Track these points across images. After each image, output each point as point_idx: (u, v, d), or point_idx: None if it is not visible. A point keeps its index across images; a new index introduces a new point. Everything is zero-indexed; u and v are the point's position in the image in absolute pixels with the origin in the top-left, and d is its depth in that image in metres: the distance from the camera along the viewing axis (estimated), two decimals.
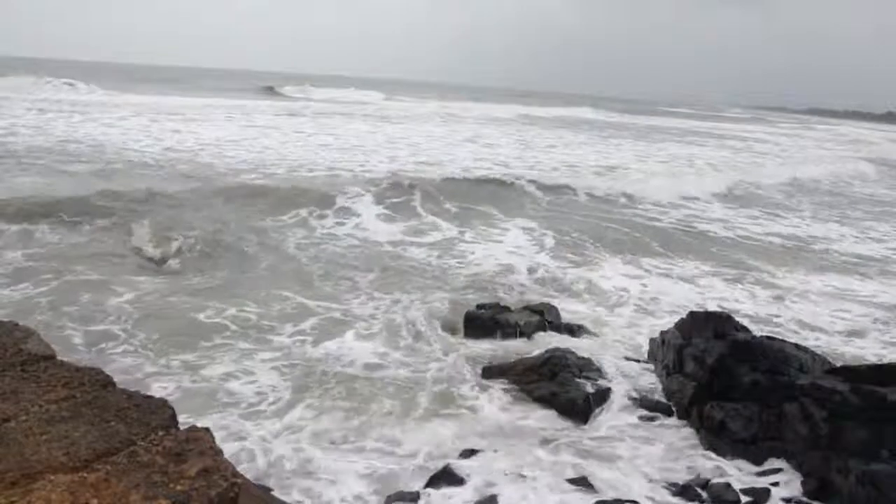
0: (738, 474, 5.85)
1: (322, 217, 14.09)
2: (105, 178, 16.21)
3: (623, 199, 19.24)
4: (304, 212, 14.16)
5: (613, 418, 6.82)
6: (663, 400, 7.14)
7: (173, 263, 10.36)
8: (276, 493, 4.88)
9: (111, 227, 11.53)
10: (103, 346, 7.32)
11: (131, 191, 13.71)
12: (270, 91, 71.12)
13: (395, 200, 15.66)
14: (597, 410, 6.84)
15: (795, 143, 57.03)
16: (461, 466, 5.66)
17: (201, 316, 8.26)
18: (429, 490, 5.35)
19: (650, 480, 5.83)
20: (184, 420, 2.40)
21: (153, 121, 30.92)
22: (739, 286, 11.65)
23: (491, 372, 7.45)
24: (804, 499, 5.53)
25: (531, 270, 11.44)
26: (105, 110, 34.26)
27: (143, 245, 10.89)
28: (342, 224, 13.92)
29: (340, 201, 15.00)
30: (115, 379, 2.41)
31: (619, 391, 7.22)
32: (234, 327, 8.06)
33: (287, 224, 13.51)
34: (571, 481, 5.58)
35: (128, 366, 6.84)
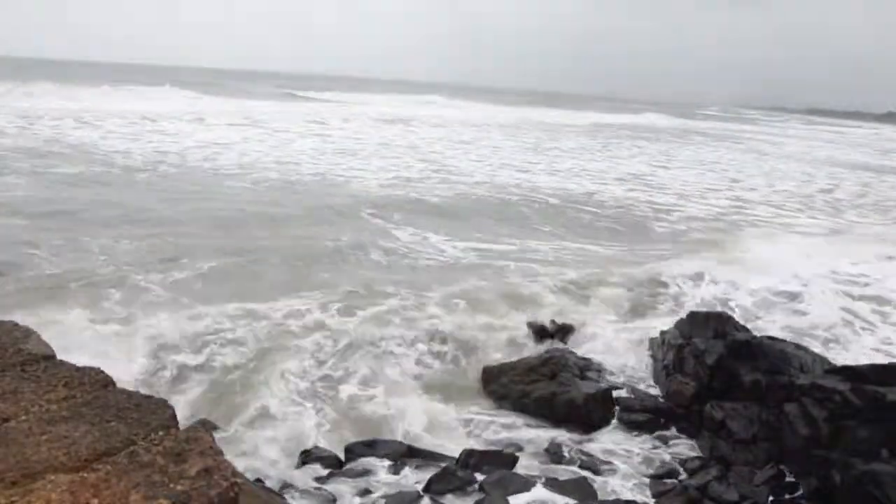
0: (737, 474, 5.85)
1: None
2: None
3: None
4: None
5: (613, 419, 6.82)
6: (663, 400, 7.14)
7: None
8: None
9: None
10: None
11: None
12: (300, 97, 66.59)
13: None
14: (596, 411, 6.84)
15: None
16: (460, 468, 5.68)
17: None
18: (428, 491, 5.35)
19: (649, 481, 5.83)
20: None
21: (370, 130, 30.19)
22: None
23: (491, 372, 7.45)
24: (804, 499, 5.53)
25: None
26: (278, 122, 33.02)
27: None
28: None
29: None
30: None
31: (619, 391, 7.22)
32: None
33: None
34: (570, 482, 5.58)
35: None
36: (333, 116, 40.61)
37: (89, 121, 27.46)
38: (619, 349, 8.31)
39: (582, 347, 8.17)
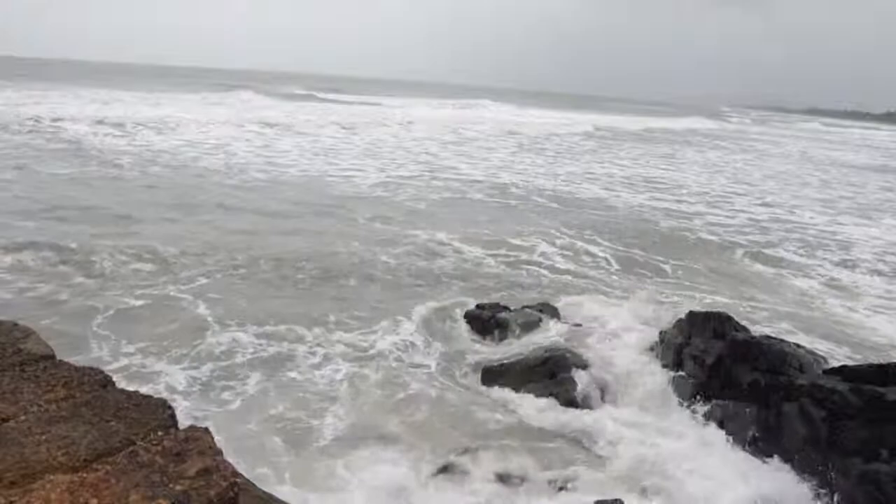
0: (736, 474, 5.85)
1: None
2: None
3: None
4: None
5: (612, 419, 6.81)
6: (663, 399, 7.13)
7: None
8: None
9: None
10: None
11: None
12: (322, 99, 63.32)
13: None
14: (595, 411, 6.83)
15: None
16: (461, 463, 5.68)
17: None
18: (429, 482, 5.36)
19: (647, 480, 5.82)
20: None
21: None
22: None
23: (491, 373, 7.45)
24: (804, 499, 5.52)
25: None
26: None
27: None
28: None
29: None
30: None
31: (618, 391, 7.21)
32: None
33: None
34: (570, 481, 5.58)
35: None
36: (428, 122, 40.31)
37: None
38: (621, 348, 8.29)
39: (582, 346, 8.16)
